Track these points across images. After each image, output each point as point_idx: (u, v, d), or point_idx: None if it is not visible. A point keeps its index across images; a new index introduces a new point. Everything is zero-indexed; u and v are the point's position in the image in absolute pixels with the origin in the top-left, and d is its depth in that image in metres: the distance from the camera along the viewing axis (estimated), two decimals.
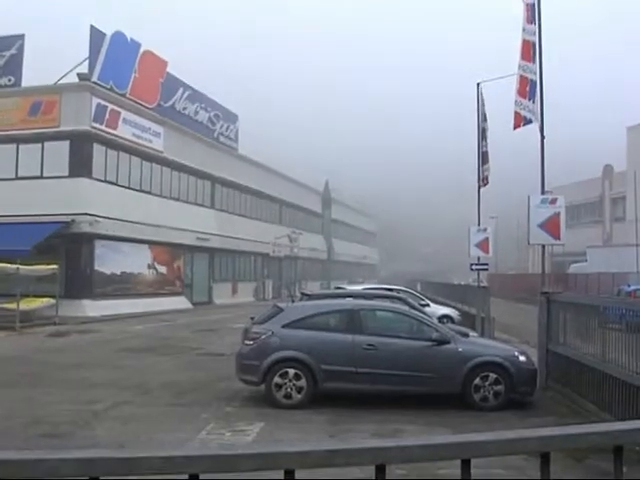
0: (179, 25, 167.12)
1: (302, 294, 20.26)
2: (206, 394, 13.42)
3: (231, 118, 53.57)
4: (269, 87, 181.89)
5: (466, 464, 2.19)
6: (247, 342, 12.91)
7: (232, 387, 13.53)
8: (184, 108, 45.16)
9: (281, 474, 2.05)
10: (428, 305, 24.49)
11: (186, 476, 1.98)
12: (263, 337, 12.65)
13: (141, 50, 39.00)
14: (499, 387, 12.20)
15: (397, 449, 2.15)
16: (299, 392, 12.22)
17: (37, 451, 1.96)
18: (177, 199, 42.75)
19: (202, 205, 46.62)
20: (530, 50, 15.48)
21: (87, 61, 35.02)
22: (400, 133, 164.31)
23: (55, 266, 28.62)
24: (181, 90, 44.62)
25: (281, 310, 13.35)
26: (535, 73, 15.28)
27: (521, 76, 15.76)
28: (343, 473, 2.21)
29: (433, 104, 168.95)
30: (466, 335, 14.07)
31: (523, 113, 15.61)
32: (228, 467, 1.96)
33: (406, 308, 14.52)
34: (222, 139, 51.48)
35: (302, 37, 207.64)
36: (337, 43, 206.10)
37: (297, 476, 2.05)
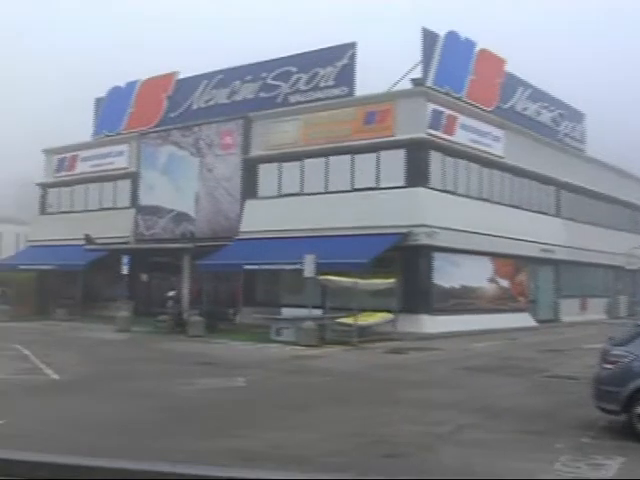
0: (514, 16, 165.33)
1: None
2: (557, 421, 12.96)
3: (577, 117, 51.81)
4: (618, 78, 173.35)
5: None
6: (606, 365, 12.15)
7: (587, 415, 12.91)
8: (524, 109, 44.41)
9: None
10: None
11: None
12: (625, 360, 11.84)
13: (477, 49, 39.05)
14: None
15: None
16: None
17: None
18: (518, 207, 41.98)
19: (546, 213, 45.37)
20: None
21: (419, 65, 35.77)
22: None
23: (393, 280, 29.40)
24: (521, 89, 43.93)
25: None
26: None
27: None
28: None
29: None
30: None
31: None
32: None
33: None
34: (567, 140, 49.91)
35: None
36: None
37: None
